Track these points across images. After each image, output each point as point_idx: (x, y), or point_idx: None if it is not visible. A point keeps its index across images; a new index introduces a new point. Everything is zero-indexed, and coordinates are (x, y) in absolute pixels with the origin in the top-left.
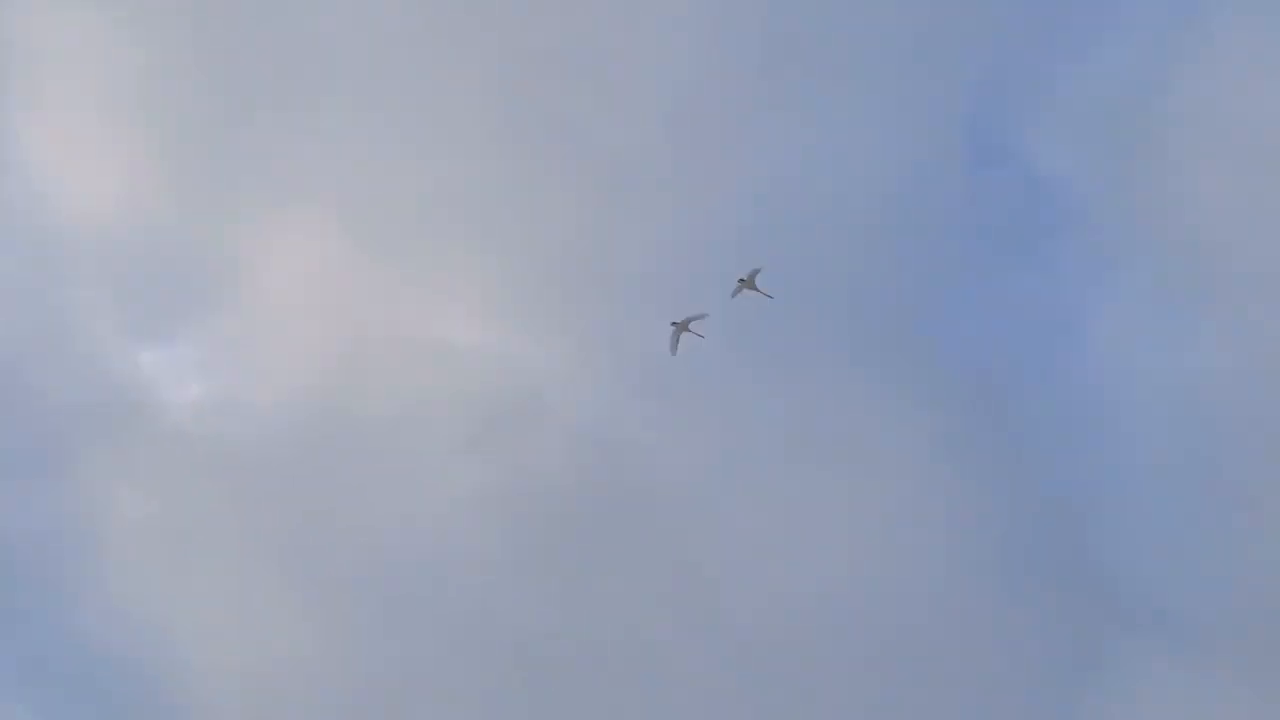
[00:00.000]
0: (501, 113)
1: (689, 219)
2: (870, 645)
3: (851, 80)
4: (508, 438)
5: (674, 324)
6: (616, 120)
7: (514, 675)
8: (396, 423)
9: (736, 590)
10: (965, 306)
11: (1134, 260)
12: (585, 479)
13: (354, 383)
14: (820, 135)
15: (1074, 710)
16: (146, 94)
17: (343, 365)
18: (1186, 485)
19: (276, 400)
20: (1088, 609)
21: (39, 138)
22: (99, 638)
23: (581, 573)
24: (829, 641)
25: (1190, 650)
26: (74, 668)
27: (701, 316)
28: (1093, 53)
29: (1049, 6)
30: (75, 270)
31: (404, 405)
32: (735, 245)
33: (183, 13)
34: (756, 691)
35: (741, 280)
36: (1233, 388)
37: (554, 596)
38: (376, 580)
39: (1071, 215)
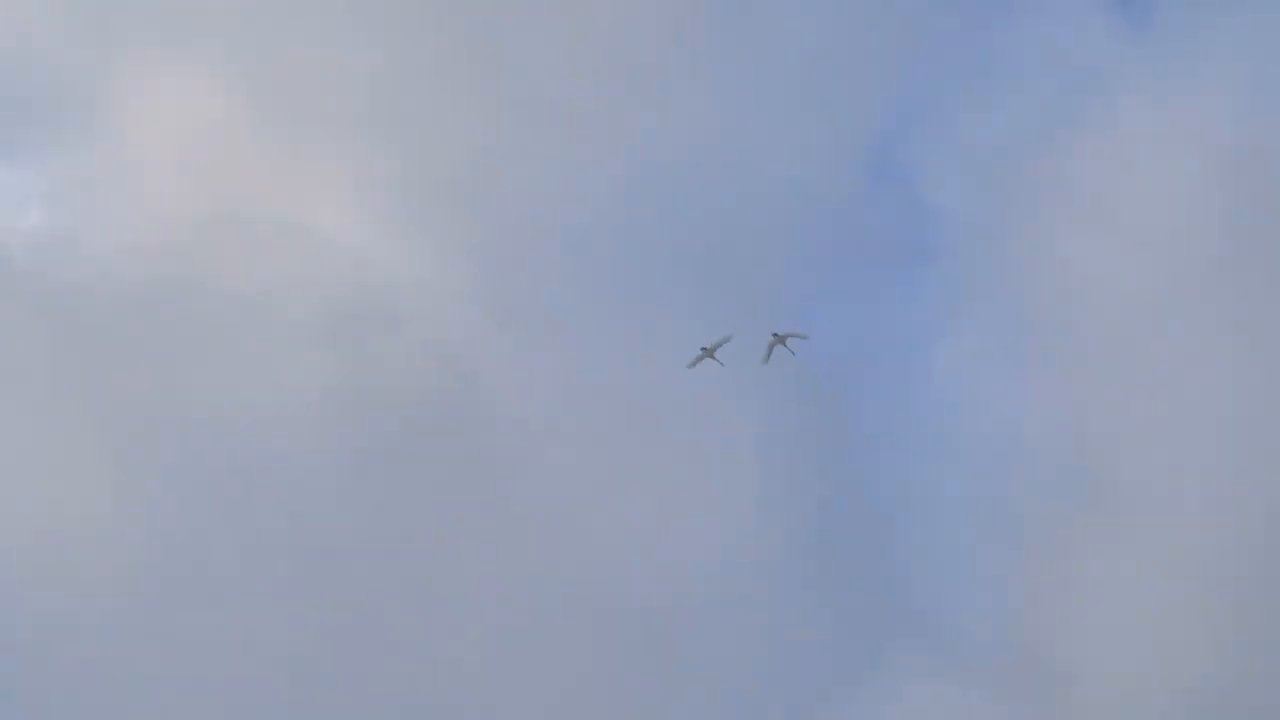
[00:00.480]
0: (426, 20)
1: (583, 168)
2: (660, 612)
3: (773, 76)
4: (361, 340)
5: (703, 349)
6: (530, 60)
7: (315, 576)
8: (247, 302)
9: (549, 537)
10: (830, 310)
11: (991, 300)
12: (430, 397)
13: (210, 251)
14: (730, 120)
15: (846, 705)
16: None
17: (201, 230)
18: (983, 518)
19: (122, 252)
20: (877, 614)
21: None
22: None
23: (405, 490)
24: (620, 602)
25: (959, 666)
26: None
27: (726, 340)
28: (998, 106)
29: (971, 58)
30: None
31: (259, 285)
32: (624, 202)
33: None
34: (543, 637)
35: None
36: (1041, 440)
37: (373, 507)
38: (194, 458)
39: (945, 246)
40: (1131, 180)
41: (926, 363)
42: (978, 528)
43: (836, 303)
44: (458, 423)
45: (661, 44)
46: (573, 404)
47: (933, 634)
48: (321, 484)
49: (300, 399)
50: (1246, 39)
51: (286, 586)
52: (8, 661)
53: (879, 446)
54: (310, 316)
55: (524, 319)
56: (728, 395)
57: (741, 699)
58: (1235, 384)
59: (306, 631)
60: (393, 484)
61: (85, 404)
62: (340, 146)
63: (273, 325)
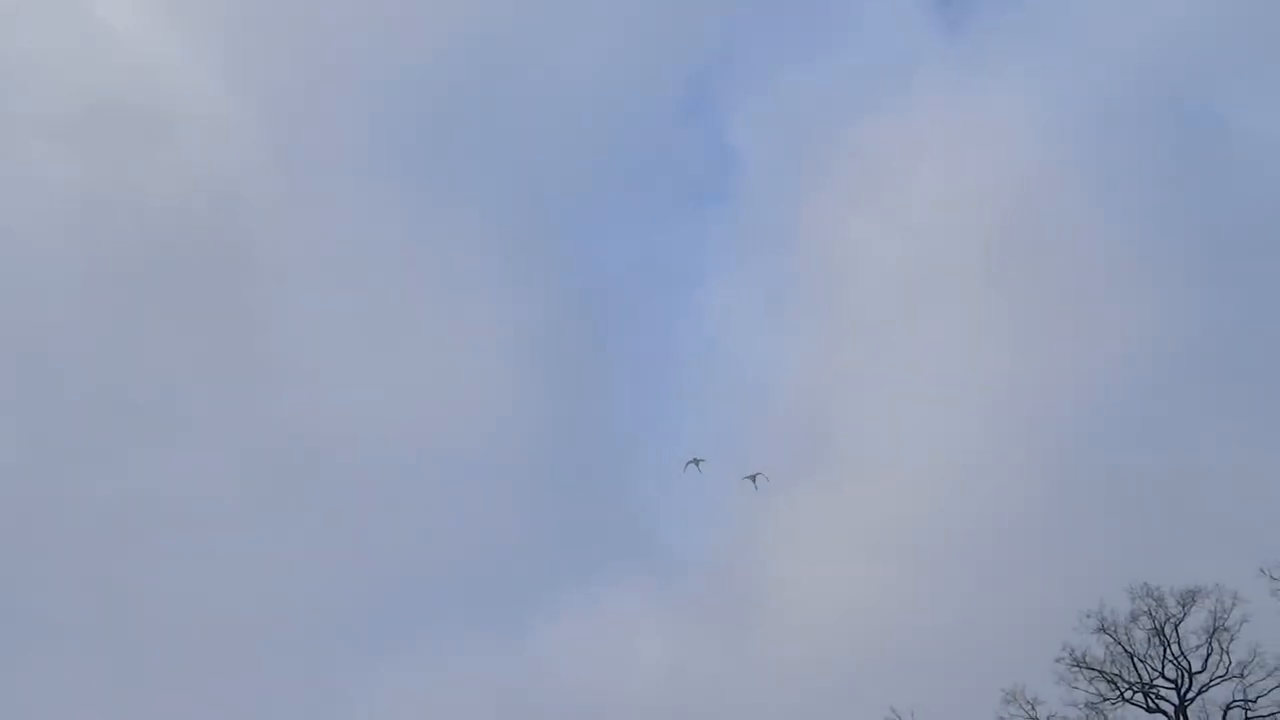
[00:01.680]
0: None
1: (422, 54)
2: (397, 481)
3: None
4: (120, 142)
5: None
6: None
7: (32, 392)
8: None
9: (294, 387)
10: (617, 230)
11: (768, 253)
12: (190, 223)
13: None
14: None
15: (566, 602)
16: None
17: None
18: (716, 454)
19: None
20: (605, 525)
21: None
22: None
23: (144, 317)
24: (358, 460)
25: (670, 584)
26: None
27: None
28: (817, 72)
29: (802, 21)
30: None
31: (8, 61)
32: (437, 91)
33: None
34: (273, 488)
35: (694, 461)
36: (784, 391)
37: (106, 329)
38: None
39: (736, 192)
40: (921, 168)
41: (696, 299)
42: (708, 460)
43: (624, 224)
44: (215, 256)
45: None
46: (343, 260)
47: (652, 553)
48: (50, 298)
49: (38, 196)
50: (1050, 54)
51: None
52: None
53: (635, 370)
54: (63, 103)
55: (309, 164)
56: (503, 285)
57: (470, 579)
58: (970, 374)
59: (18, 447)
60: (132, 309)
61: None
62: None
63: (13, 104)
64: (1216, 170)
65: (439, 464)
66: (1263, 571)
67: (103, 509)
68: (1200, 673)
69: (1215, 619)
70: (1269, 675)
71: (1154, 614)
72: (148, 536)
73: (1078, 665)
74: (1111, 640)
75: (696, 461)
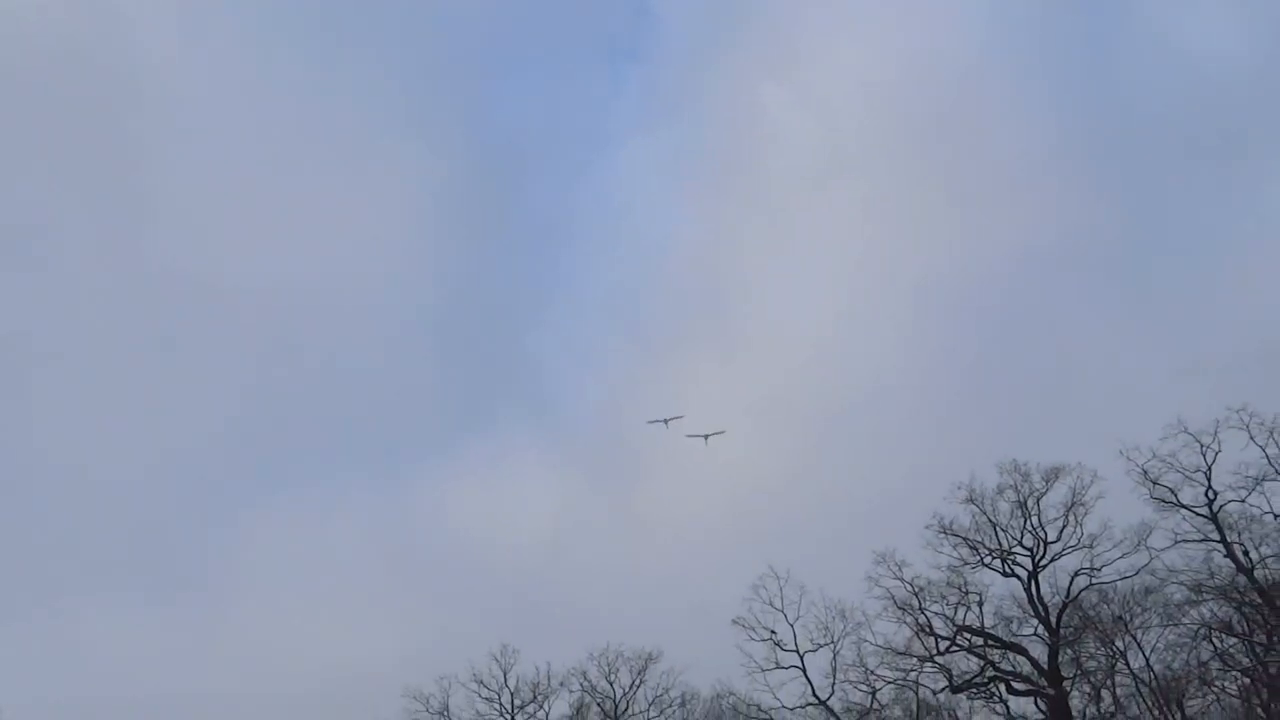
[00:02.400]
0: None
1: None
2: (299, 323)
3: None
4: None
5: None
6: None
7: None
8: None
9: (179, 231)
10: (528, 86)
11: (683, 118)
12: (65, 43)
13: None
14: None
15: (460, 450)
16: None
17: None
18: (614, 318)
19: None
20: (501, 380)
21: None
22: None
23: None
24: (255, 301)
25: (561, 440)
26: None
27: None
28: None
29: None
30: None
31: None
32: None
33: None
34: (156, 318)
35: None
36: (684, 260)
37: None
38: None
39: (657, 53)
40: (841, 47)
41: (603, 161)
42: (607, 325)
43: (535, 79)
44: (100, 86)
45: None
46: (236, 103)
47: (546, 410)
48: None
49: None
50: None
51: None
52: None
53: (537, 229)
54: None
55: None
56: (405, 135)
57: (363, 425)
58: (866, 255)
59: None
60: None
61: None
62: None
63: None
64: (1119, 78)
65: (335, 311)
66: (1121, 453)
67: None
68: (1055, 542)
69: (1074, 495)
70: (1115, 546)
71: (1019, 488)
72: (21, 373)
73: (944, 531)
74: (978, 510)
75: (666, 421)
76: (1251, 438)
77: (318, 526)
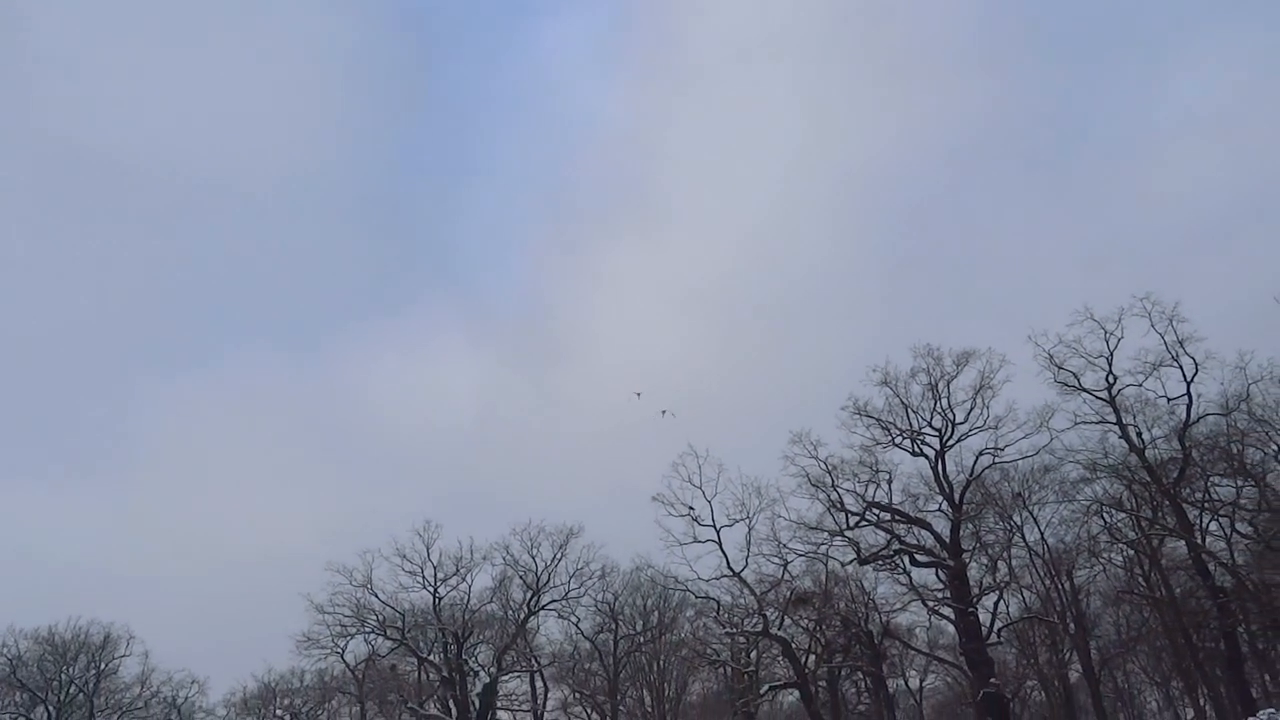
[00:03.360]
0: None
1: None
2: (204, 191)
3: None
4: None
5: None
6: None
7: None
8: None
9: (63, 87)
10: None
11: None
12: None
13: None
14: None
15: (377, 331)
16: None
17: None
18: (537, 198)
19: None
20: (419, 260)
21: None
22: None
23: None
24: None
25: (481, 324)
26: None
27: None
28: None
29: None
30: None
31: None
32: None
33: None
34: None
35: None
36: (610, 139)
37: None
38: None
39: None
40: None
41: (528, 31)
42: (531, 206)
43: None
44: None
45: None
46: None
47: (467, 292)
48: None
49: None
50: None
51: None
52: None
53: (457, 101)
54: None
55: None
56: (323, 14)
57: (277, 301)
58: (788, 140)
59: None
60: None
61: None
62: None
63: None
64: None
65: (243, 180)
66: (1030, 339)
67: None
68: (962, 424)
69: (983, 378)
70: (1018, 428)
71: (931, 371)
72: None
73: (858, 413)
74: (891, 393)
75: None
76: (1152, 324)
77: (239, 404)
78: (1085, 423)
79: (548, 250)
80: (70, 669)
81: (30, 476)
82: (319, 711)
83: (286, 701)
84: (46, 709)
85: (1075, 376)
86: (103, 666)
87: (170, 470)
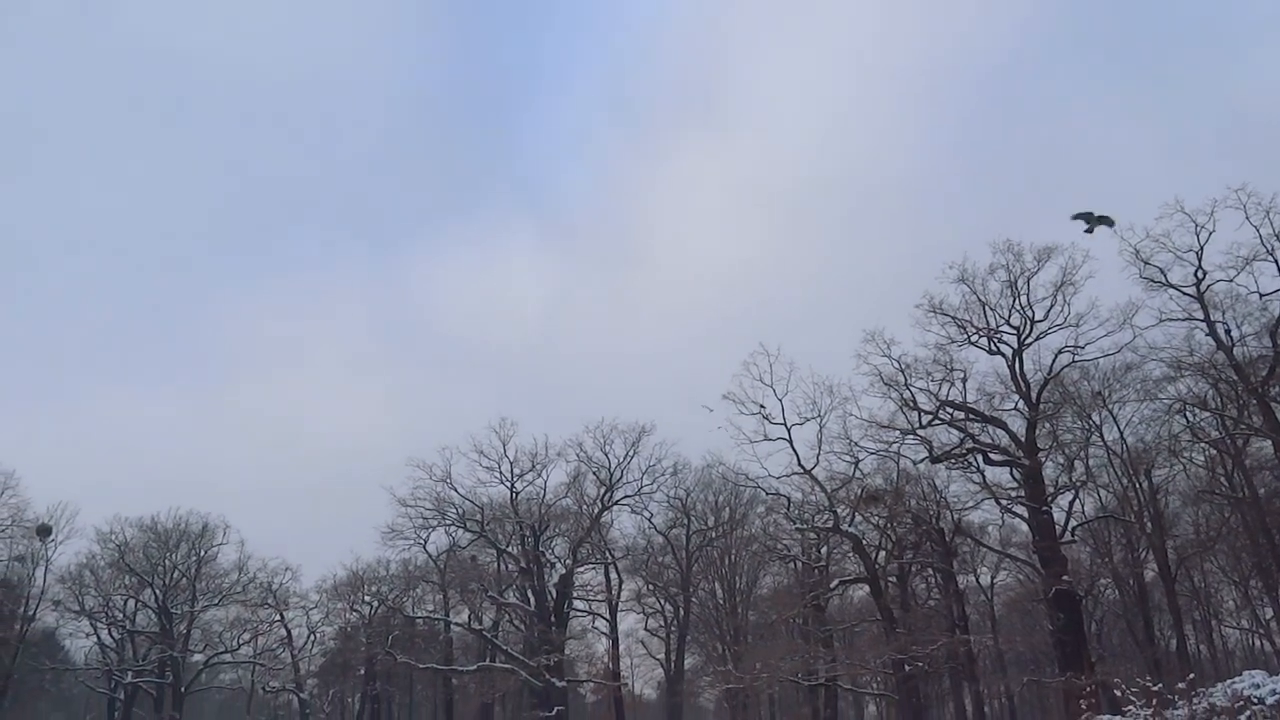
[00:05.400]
0: None
1: None
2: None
3: None
4: None
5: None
6: None
7: None
8: None
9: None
10: None
11: None
12: None
13: None
14: None
15: (450, 235)
16: None
17: None
18: (606, 106)
19: None
20: (487, 168)
21: None
22: None
23: None
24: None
25: (553, 230)
26: None
27: None
28: None
29: None
30: None
31: None
32: None
33: None
34: None
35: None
36: (675, 41)
37: None
38: None
39: None
40: None
41: None
42: (595, 108)
43: None
44: None
45: None
46: None
47: (535, 196)
48: None
49: None
50: None
51: None
52: None
53: (523, 9)
54: None
55: None
56: None
57: (349, 205)
58: (860, 32)
59: None
60: None
61: None
62: None
63: None
64: None
65: (317, 91)
66: (1115, 233)
67: None
68: (1041, 321)
69: (1064, 274)
70: (1100, 325)
71: (1010, 267)
72: (21, 153)
73: (934, 310)
74: (968, 290)
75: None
76: (1247, 217)
77: (316, 308)
78: (1171, 319)
79: (616, 152)
80: (173, 555)
81: (124, 381)
82: (404, 599)
83: (374, 589)
84: (154, 591)
85: (1162, 272)
86: (202, 553)
87: (255, 372)
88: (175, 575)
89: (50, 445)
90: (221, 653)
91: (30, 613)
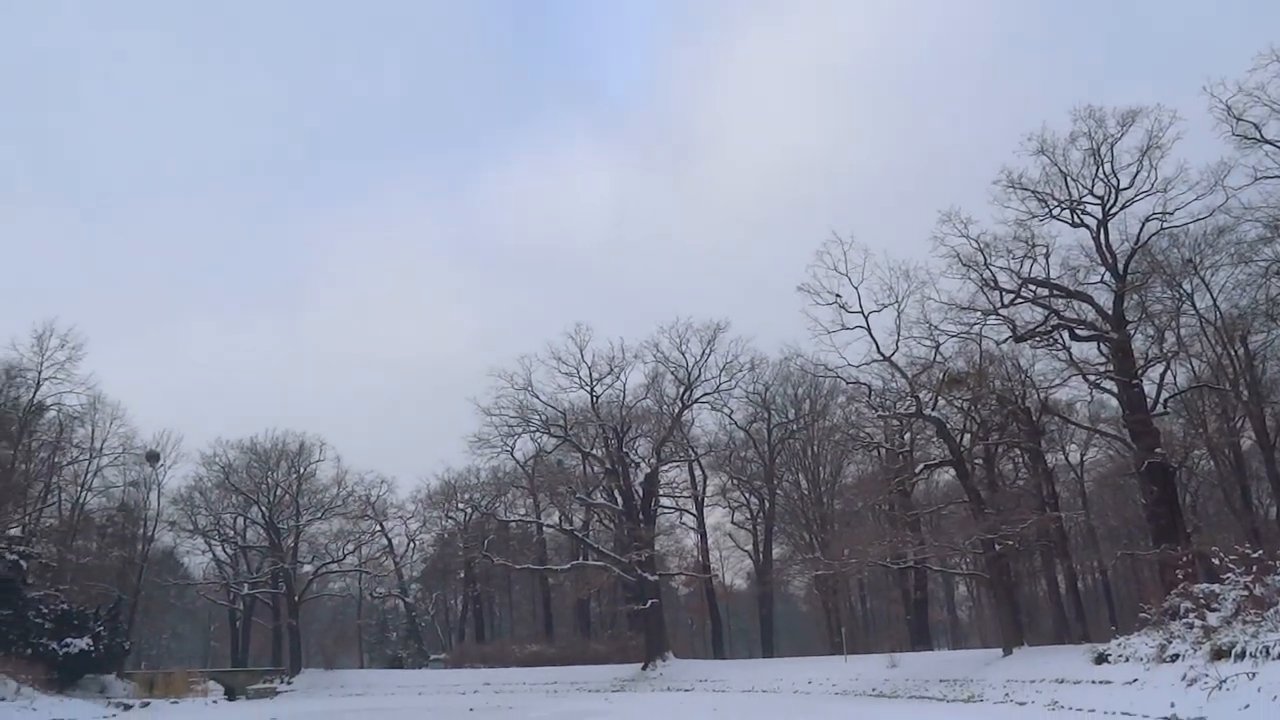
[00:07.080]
0: None
1: None
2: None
3: None
4: None
5: None
6: None
7: None
8: None
9: None
10: None
11: None
12: None
13: None
14: None
15: (503, 141)
16: None
17: None
18: None
19: None
20: (539, 65)
21: None
22: None
23: None
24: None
25: (606, 124)
26: None
27: None
28: None
29: None
30: None
31: None
32: None
33: None
34: None
35: None
36: None
37: None
38: None
39: None
40: None
41: None
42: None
43: None
44: None
45: None
46: None
47: (593, 96)
48: None
49: None
50: None
51: None
52: None
53: None
54: None
55: None
56: None
57: (412, 125)
58: None
59: None
60: None
61: None
62: None
63: None
64: None
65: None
66: (1204, 89)
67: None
68: (1127, 189)
69: (1150, 138)
70: (1190, 189)
71: (1092, 134)
72: (72, 89)
73: (1012, 186)
74: (1048, 161)
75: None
76: None
77: (389, 226)
78: (1267, 177)
79: (670, 46)
80: (274, 474)
81: (212, 314)
82: (496, 504)
83: (466, 496)
84: (260, 508)
85: (1256, 127)
86: (301, 470)
87: (335, 291)
88: (278, 492)
89: (152, 377)
90: (329, 563)
91: (149, 533)
